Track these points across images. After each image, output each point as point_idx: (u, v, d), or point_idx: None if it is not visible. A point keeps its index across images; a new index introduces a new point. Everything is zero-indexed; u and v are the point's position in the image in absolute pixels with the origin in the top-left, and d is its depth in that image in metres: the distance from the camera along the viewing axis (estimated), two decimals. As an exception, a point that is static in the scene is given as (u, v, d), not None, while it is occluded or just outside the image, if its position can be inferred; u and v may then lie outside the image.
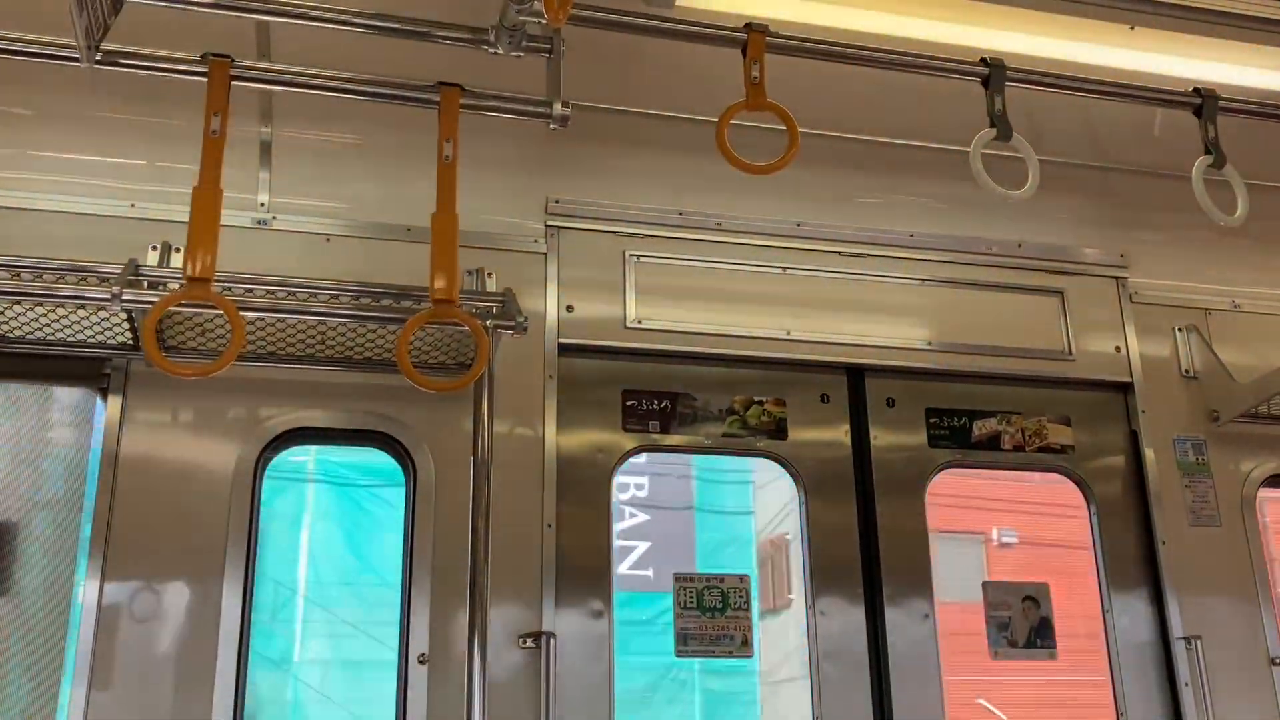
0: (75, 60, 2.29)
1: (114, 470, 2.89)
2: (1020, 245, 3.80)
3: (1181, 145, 3.00)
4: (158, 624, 2.83)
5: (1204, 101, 2.87)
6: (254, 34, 2.96)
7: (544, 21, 2.38)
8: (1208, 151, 2.85)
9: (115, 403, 2.94)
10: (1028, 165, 2.68)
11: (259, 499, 3.00)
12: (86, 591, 2.81)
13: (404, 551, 3.05)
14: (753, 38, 2.52)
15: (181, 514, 2.92)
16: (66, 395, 3.00)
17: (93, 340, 2.87)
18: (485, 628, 2.88)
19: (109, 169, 3.13)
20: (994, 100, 2.69)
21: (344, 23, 2.56)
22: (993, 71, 2.71)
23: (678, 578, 3.24)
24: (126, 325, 2.80)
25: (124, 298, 2.58)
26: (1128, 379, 3.77)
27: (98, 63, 2.30)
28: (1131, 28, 3.11)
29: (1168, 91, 2.94)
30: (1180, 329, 3.87)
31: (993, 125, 2.69)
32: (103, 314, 2.73)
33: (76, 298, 2.64)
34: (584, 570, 3.17)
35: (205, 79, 2.44)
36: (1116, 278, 3.87)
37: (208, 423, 3.00)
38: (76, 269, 2.71)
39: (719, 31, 2.58)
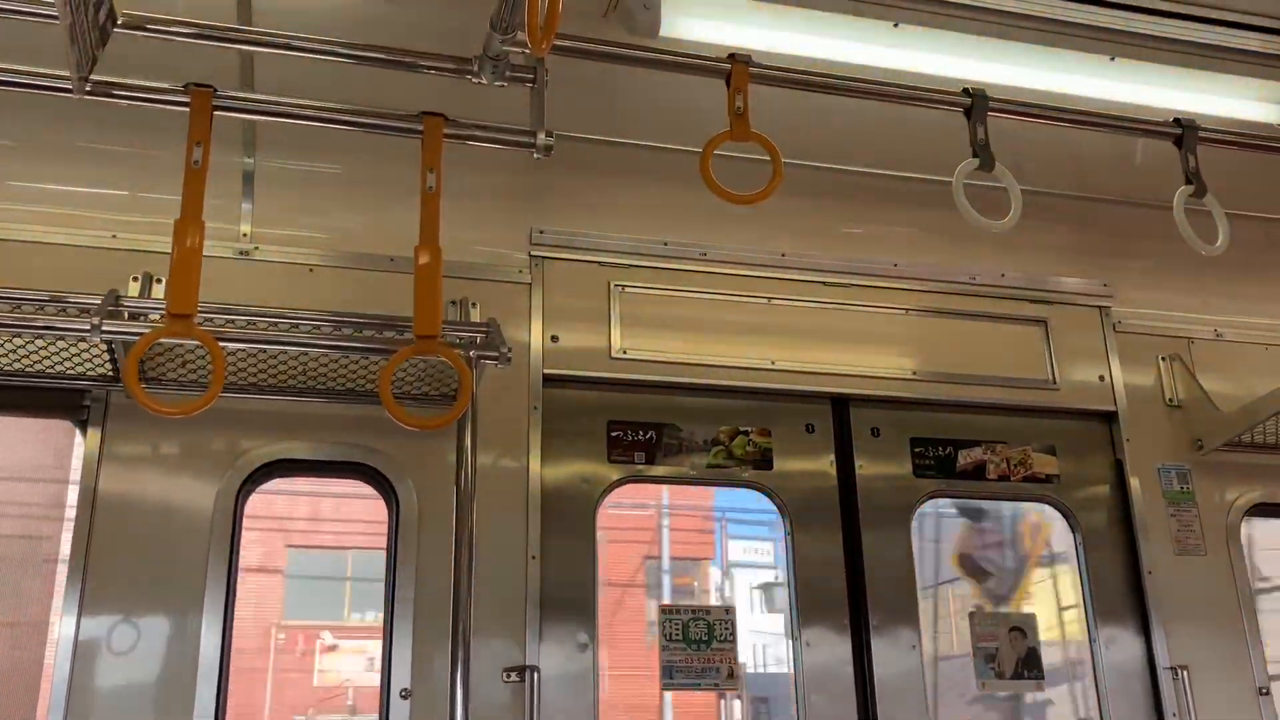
0: (67, 91, 2.27)
1: (92, 503, 2.86)
2: (1004, 275, 3.81)
3: (1163, 175, 3.01)
4: (136, 658, 2.79)
5: (1184, 132, 2.89)
6: (237, 63, 2.95)
7: (527, 52, 2.38)
8: (1189, 181, 2.86)
9: (94, 435, 2.91)
10: (1010, 195, 2.68)
11: (239, 532, 2.96)
12: (63, 625, 2.77)
13: (386, 584, 3.02)
14: (736, 69, 2.52)
15: (161, 547, 2.88)
16: (45, 427, 2.97)
17: (72, 372, 2.84)
18: (468, 661, 2.85)
19: (90, 199, 3.11)
20: (976, 130, 2.70)
21: (328, 53, 2.56)
22: (975, 102, 2.72)
23: (663, 609, 3.22)
24: (107, 357, 2.77)
25: (104, 329, 2.56)
26: (1112, 408, 3.77)
27: (88, 93, 2.29)
28: (1112, 59, 3.14)
29: (1148, 122, 2.96)
30: (1164, 358, 3.89)
31: (975, 155, 2.69)
32: (82, 345, 2.70)
33: (55, 329, 2.61)
34: (568, 603, 3.13)
35: (187, 109, 2.43)
36: (1100, 307, 3.89)
37: (188, 455, 2.97)
38: (56, 300, 2.69)
39: (703, 62, 2.59)
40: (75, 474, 2.88)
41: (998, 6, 2.92)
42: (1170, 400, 3.84)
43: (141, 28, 2.36)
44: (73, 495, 2.84)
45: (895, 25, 2.97)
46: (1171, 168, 2.94)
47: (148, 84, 2.44)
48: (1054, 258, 3.88)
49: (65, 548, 2.83)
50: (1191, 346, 3.93)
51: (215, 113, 2.44)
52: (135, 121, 2.86)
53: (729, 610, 3.24)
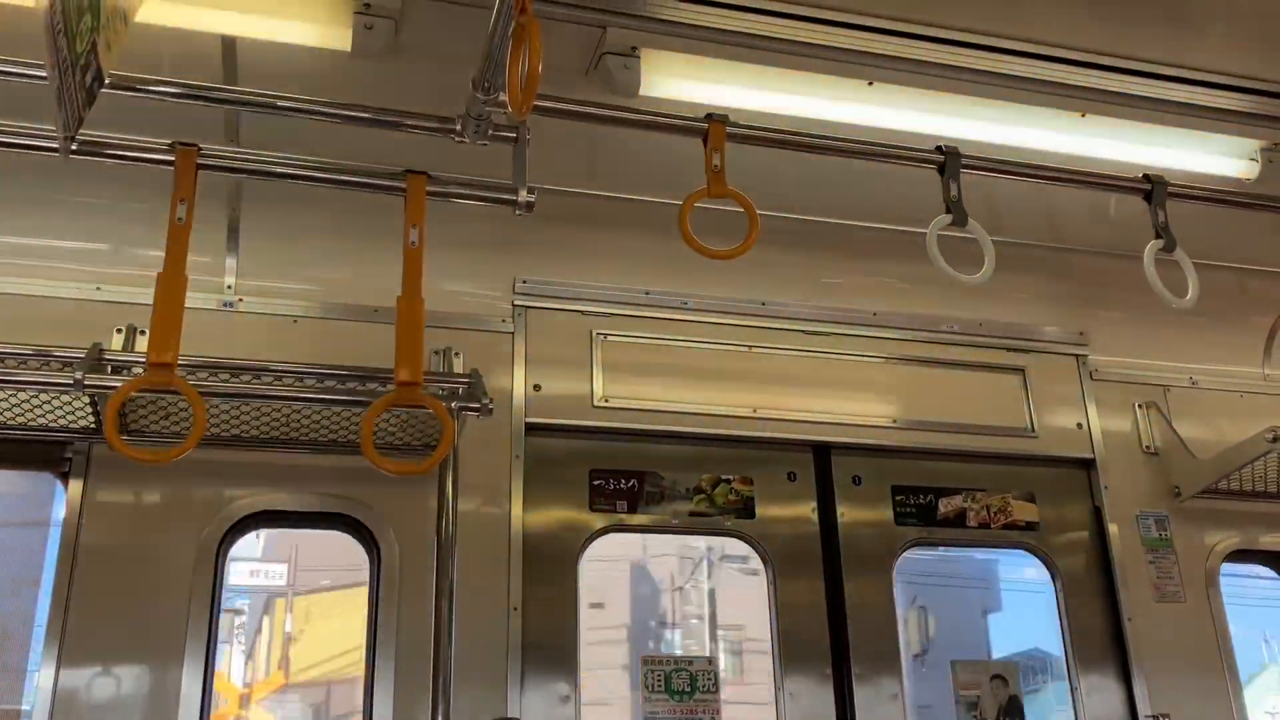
0: (53, 151, 2.29)
1: (73, 556, 2.85)
2: (981, 324, 3.86)
3: (1136, 225, 3.06)
4: (115, 710, 2.77)
5: (1153, 187, 2.93)
6: (222, 114, 2.98)
7: (510, 111, 2.42)
8: (1158, 235, 2.91)
9: (76, 487, 2.91)
10: (983, 250, 2.72)
11: (221, 584, 2.96)
12: (42, 678, 2.75)
13: (368, 636, 3.01)
14: (713, 128, 2.56)
15: (142, 599, 2.87)
16: (26, 480, 2.96)
17: (55, 425, 2.84)
18: (449, 713, 2.84)
19: (74, 252, 3.13)
20: (949, 187, 2.73)
21: (314, 112, 2.60)
22: (948, 159, 2.76)
23: (645, 659, 3.22)
24: (89, 409, 2.77)
25: (86, 382, 2.57)
26: (1090, 455, 3.80)
27: (74, 153, 2.31)
28: (1083, 115, 3.20)
29: (1119, 178, 3.01)
30: (1140, 405, 3.93)
31: (949, 211, 2.73)
32: (65, 399, 2.71)
33: (38, 383, 2.63)
34: (550, 653, 3.13)
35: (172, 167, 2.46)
36: (1077, 355, 3.93)
37: (170, 507, 2.97)
38: (39, 354, 2.70)
39: (681, 121, 2.63)
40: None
41: (971, 65, 2.97)
42: (1147, 447, 3.88)
43: (130, 88, 2.40)
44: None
45: (870, 84, 3.03)
46: (1144, 218, 2.98)
47: (132, 140, 2.47)
48: (1031, 307, 3.93)
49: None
50: (1168, 394, 3.97)
51: (200, 170, 2.47)
52: (120, 174, 2.88)
53: (711, 661, 3.24)
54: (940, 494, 3.67)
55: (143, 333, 2.94)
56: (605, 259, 3.59)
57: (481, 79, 2.37)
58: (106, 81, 2.15)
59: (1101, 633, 3.62)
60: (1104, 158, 3.24)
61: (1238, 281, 4.04)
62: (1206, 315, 3.70)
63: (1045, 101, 3.12)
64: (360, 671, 3.20)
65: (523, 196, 2.59)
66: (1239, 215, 3.26)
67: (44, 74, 1.61)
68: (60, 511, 2.89)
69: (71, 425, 2.84)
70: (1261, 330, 4.10)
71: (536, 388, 3.37)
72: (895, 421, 3.67)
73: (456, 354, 3.26)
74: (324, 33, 2.76)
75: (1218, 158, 3.36)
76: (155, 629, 2.86)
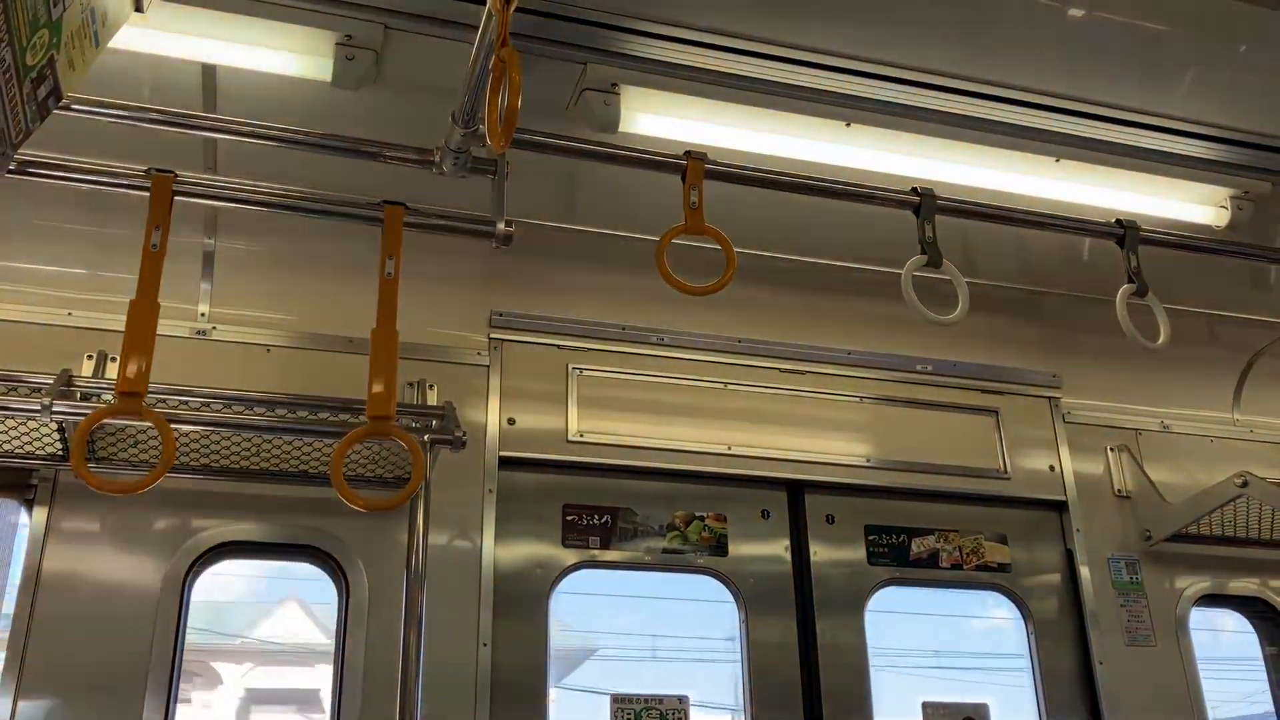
0: None
1: (35, 584, 2.80)
2: (955, 364, 3.87)
3: (1109, 270, 3.10)
4: (73, 746, 2.71)
5: (1126, 232, 2.97)
6: (200, 142, 2.97)
7: (489, 144, 2.42)
8: (1130, 280, 2.94)
9: (41, 514, 2.86)
10: (958, 291, 2.74)
11: (186, 615, 2.91)
12: (-1, 709, 2.70)
13: (335, 670, 2.97)
14: (692, 165, 2.58)
15: (104, 630, 2.82)
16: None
17: (21, 451, 2.80)
18: (415, 752, 2.80)
19: (46, 277, 3.09)
20: (924, 228, 2.76)
21: (292, 141, 2.60)
22: (923, 201, 2.78)
23: (615, 699, 3.18)
24: (57, 436, 2.74)
25: (55, 409, 2.54)
26: (1062, 497, 3.81)
27: (11, 172, 2.25)
28: (1057, 160, 3.25)
29: (1092, 222, 3.05)
30: (1112, 449, 3.95)
31: (924, 252, 2.75)
32: (32, 425, 2.67)
33: (6, 408, 2.59)
34: (520, 690, 3.09)
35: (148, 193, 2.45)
36: (1049, 398, 3.95)
37: (136, 536, 2.92)
38: (7, 379, 2.66)
39: (659, 158, 2.65)
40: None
41: (947, 109, 3.02)
42: (1119, 491, 3.89)
43: (108, 113, 2.38)
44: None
45: (847, 125, 3.06)
46: (1117, 263, 3.02)
47: (108, 165, 2.46)
48: (1005, 349, 3.95)
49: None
50: (1139, 438, 3.99)
51: (176, 197, 2.46)
52: (93, 199, 2.87)
53: (682, 700, 3.21)
54: (913, 534, 3.67)
55: (114, 359, 2.91)
56: (582, 294, 3.59)
57: (462, 111, 2.38)
58: (64, 99, 2.07)
59: (1072, 676, 3.61)
60: (1077, 202, 3.28)
61: (1208, 327, 4.09)
62: (1178, 360, 3.75)
63: (1020, 146, 3.17)
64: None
65: (501, 229, 2.60)
66: (1210, 261, 3.30)
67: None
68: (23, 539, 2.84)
69: (38, 451, 2.80)
70: (1232, 375, 4.16)
71: (510, 421, 3.35)
72: (869, 461, 3.67)
73: (430, 386, 3.25)
74: (305, 63, 2.76)
75: (1189, 204, 3.41)
76: (118, 661, 2.80)
